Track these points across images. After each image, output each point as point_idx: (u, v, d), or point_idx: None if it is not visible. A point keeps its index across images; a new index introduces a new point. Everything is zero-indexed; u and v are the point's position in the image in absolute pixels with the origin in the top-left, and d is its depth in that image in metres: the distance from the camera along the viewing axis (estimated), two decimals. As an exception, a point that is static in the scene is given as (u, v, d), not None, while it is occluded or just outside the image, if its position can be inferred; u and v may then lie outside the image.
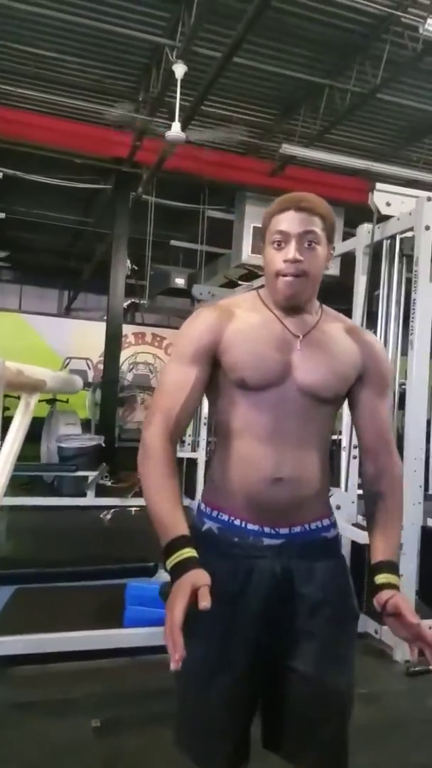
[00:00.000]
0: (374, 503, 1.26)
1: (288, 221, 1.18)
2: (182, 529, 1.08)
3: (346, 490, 3.16)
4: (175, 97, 5.20)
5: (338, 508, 3.14)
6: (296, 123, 6.50)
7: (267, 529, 1.19)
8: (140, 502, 4.90)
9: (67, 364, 9.70)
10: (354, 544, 2.92)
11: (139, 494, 4.93)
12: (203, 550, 1.12)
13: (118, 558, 2.70)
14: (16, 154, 6.86)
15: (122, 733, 2.08)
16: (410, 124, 6.58)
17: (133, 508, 4.64)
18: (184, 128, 5.41)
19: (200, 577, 1.01)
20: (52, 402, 8.35)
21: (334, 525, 1.29)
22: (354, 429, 1.34)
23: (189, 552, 1.05)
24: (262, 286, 1.29)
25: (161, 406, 1.18)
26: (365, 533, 2.86)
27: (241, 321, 1.21)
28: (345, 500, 3.08)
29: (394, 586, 1.15)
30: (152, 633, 2.44)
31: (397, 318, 3.30)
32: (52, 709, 2.21)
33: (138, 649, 2.49)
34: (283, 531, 1.20)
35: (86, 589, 2.95)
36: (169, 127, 5.37)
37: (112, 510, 4.55)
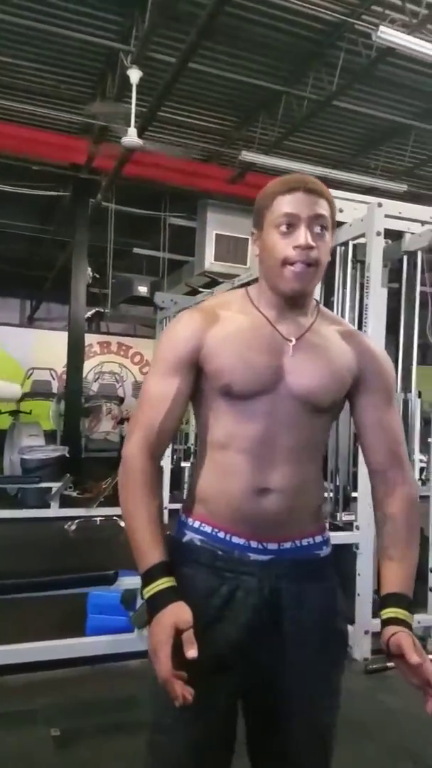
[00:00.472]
0: (383, 527, 1.13)
1: (297, 203, 1.05)
2: (159, 555, 1.01)
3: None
4: (131, 103, 5.15)
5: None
6: (255, 130, 6.52)
7: (254, 544, 1.09)
8: (105, 512, 4.84)
9: (30, 374, 9.51)
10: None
11: (103, 504, 4.85)
12: (183, 562, 1.07)
13: (81, 568, 2.67)
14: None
15: (82, 743, 2.05)
16: (367, 132, 6.67)
17: (98, 518, 4.57)
18: (141, 134, 5.36)
19: (181, 615, 0.95)
20: (14, 414, 8.18)
21: (327, 542, 1.18)
22: (360, 447, 1.20)
23: (166, 582, 0.99)
24: (248, 284, 1.18)
25: (142, 419, 1.10)
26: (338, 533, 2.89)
27: (226, 324, 1.10)
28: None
29: (401, 622, 1.03)
30: (113, 641, 2.46)
31: (352, 323, 3.31)
32: (12, 720, 2.18)
33: (98, 657, 2.49)
34: (272, 546, 1.10)
35: (48, 600, 2.93)
36: (126, 132, 5.31)
37: (77, 521, 4.48)
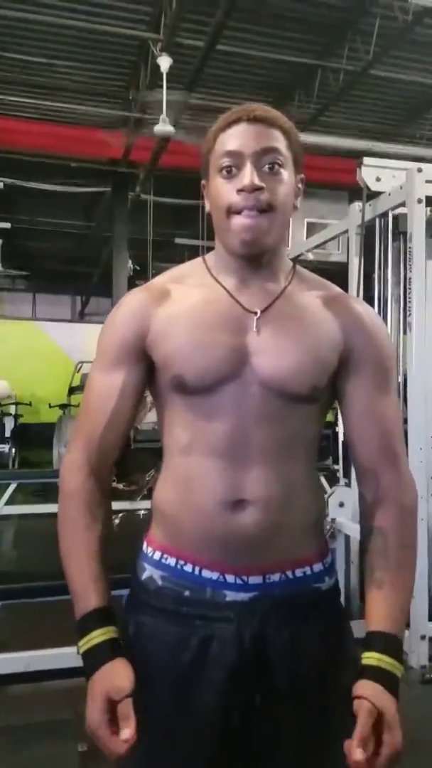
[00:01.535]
0: (370, 544, 0.89)
1: (240, 137, 0.86)
2: (94, 601, 0.82)
3: (348, 485, 3.03)
4: (163, 92, 5.11)
5: (341, 505, 3.01)
6: (291, 109, 6.34)
7: (230, 578, 0.87)
8: (148, 505, 4.75)
9: (80, 368, 9.69)
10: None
11: (147, 497, 4.83)
12: (141, 608, 0.90)
13: (121, 565, 2.65)
14: (14, 163, 6.86)
15: (106, 763, 1.98)
16: (408, 100, 6.38)
17: (142, 511, 4.57)
18: (174, 122, 5.31)
19: (114, 681, 0.77)
20: (63, 407, 8.37)
21: (330, 571, 0.94)
22: (347, 441, 0.96)
23: (100, 635, 0.80)
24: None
25: (81, 428, 0.92)
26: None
27: (176, 302, 0.90)
28: (348, 497, 2.95)
29: (381, 674, 0.78)
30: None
31: (397, 299, 3.16)
32: (41, 730, 2.11)
33: None
34: (254, 580, 0.87)
35: None
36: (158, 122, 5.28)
37: (120, 514, 4.47)
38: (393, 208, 2.98)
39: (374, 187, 3.00)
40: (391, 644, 0.81)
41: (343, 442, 3.10)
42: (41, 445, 7.92)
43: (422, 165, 2.80)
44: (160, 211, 7.85)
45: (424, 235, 2.79)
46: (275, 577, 0.88)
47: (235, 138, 0.87)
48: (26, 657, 2.40)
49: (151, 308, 0.91)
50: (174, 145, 6.02)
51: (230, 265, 0.92)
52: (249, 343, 0.87)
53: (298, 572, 0.90)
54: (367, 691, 0.77)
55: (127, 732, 0.73)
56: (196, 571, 0.88)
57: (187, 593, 0.88)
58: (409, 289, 2.80)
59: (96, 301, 13.21)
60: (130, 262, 7.60)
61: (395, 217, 3.08)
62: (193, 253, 8.93)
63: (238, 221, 0.86)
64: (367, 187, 3.00)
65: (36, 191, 7.29)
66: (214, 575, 0.88)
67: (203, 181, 0.94)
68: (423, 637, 2.59)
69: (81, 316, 13.35)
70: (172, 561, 0.90)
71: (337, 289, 0.98)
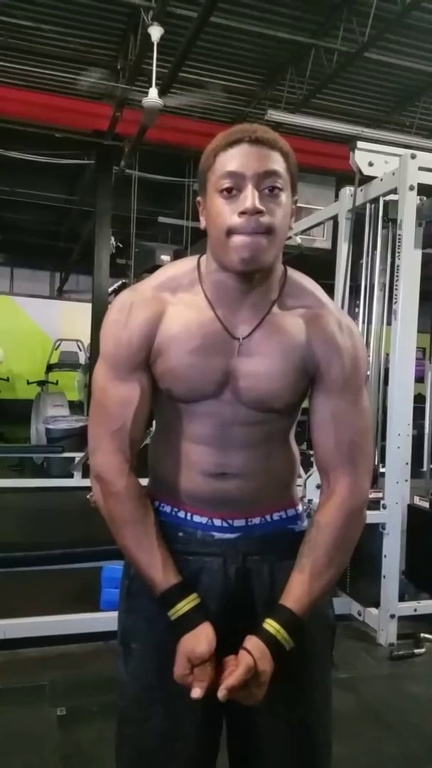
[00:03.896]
0: (308, 533, 1.00)
1: (241, 158, 0.87)
2: (172, 578, 0.96)
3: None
4: (153, 64, 4.96)
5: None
6: (282, 88, 6.23)
7: (218, 522, 1.01)
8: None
9: (58, 346, 9.55)
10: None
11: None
12: None
13: (98, 540, 2.63)
14: (-7, 131, 6.63)
15: (85, 723, 2.02)
16: (401, 86, 6.31)
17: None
18: (163, 95, 5.17)
19: (195, 649, 0.91)
20: (42, 384, 8.25)
21: (301, 517, 1.08)
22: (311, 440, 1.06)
23: (185, 605, 0.95)
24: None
25: (109, 428, 0.97)
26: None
27: (174, 318, 0.97)
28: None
29: (273, 643, 0.91)
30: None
31: (383, 287, 3.13)
32: (19, 696, 2.17)
33: (112, 633, 2.41)
34: (238, 523, 1.01)
35: (62, 573, 2.95)
36: (147, 94, 5.13)
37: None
38: (384, 194, 2.94)
39: (366, 171, 2.96)
40: (293, 623, 0.94)
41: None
42: (17, 421, 7.82)
43: (416, 152, 2.76)
44: (144, 187, 7.69)
45: (415, 222, 2.77)
46: (256, 520, 1.03)
47: (236, 159, 0.88)
48: (3, 625, 2.44)
49: (156, 320, 0.97)
50: (161, 120, 5.86)
51: (222, 282, 0.96)
52: (231, 367, 0.96)
53: (276, 516, 1.04)
54: (256, 649, 0.91)
55: (197, 692, 0.89)
56: (188, 516, 1.03)
57: (180, 534, 1.02)
58: (397, 276, 2.77)
59: (75, 278, 12.98)
60: (112, 239, 7.44)
61: (385, 204, 3.04)
62: (177, 233, 8.84)
63: (238, 239, 0.89)
64: (360, 172, 2.95)
65: (16, 161, 7.05)
66: (204, 519, 1.02)
67: (199, 198, 0.96)
68: (392, 616, 2.64)
69: (59, 293, 13.10)
70: (167, 508, 1.04)
71: (322, 301, 1.02)
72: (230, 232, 0.89)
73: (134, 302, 0.98)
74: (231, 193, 0.88)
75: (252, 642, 0.92)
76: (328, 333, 0.98)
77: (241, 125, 0.92)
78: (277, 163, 0.89)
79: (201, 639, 0.92)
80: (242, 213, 0.87)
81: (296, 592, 0.95)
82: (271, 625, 0.93)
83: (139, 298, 0.99)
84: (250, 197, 0.86)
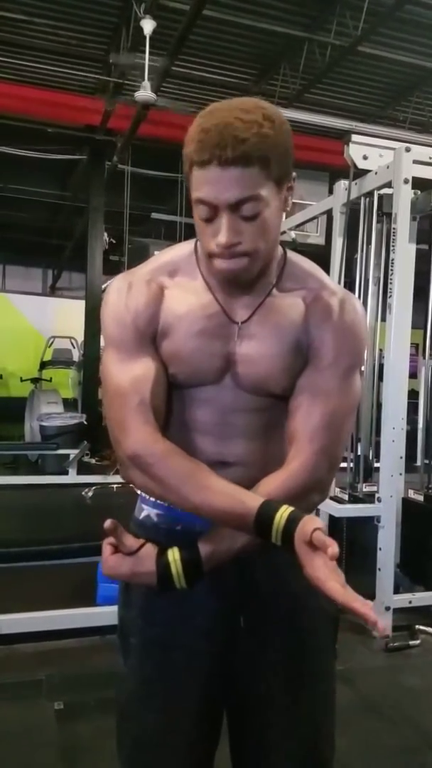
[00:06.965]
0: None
1: (212, 185, 0.81)
2: (259, 497, 0.86)
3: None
4: (145, 57, 4.93)
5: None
6: (275, 83, 6.22)
7: None
8: (120, 479, 4.79)
9: (51, 343, 9.50)
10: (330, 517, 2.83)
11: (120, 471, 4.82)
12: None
13: (94, 535, 2.63)
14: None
15: (83, 718, 2.02)
16: (394, 81, 6.31)
17: (115, 485, 4.58)
18: (155, 89, 5.14)
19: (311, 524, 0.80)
20: (35, 381, 8.22)
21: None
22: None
23: (286, 509, 0.82)
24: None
25: (129, 408, 0.90)
26: (340, 506, 2.79)
27: (175, 299, 0.95)
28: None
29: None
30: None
31: (376, 282, 3.13)
32: (16, 691, 2.17)
33: (108, 628, 2.38)
34: None
35: (59, 568, 2.95)
36: (140, 89, 5.10)
37: (94, 487, 4.50)
38: (379, 188, 2.93)
39: (361, 165, 2.95)
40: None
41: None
42: (11, 419, 7.78)
43: (411, 145, 2.76)
44: (137, 183, 7.65)
45: (409, 216, 2.76)
46: None
47: (208, 186, 0.82)
48: (1, 620, 2.44)
49: (158, 307, 0.95)
50: (154, 115, 5.84)
51: (218, 281, 0.94)
52: (231, 351, 0.95)
53: None
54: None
55: (332, 551, 0.76)
56: None
57: (178, 527, 0.98)
58: (391, 271, 2.76)
59: (68, 275, 12.91)
60: (105, 235, 7.40)
61: (380, 198, 3.03)
62: (170, 229, 8.81)
63: (219, 262, 0.88)
64: (354, 165, 2.94)
65: (8, 156, 7.00)
66: None
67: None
68: (388, 608, 2.65)
69: (52, 291, 13.04)
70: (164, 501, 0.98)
71: (323, 281, 0.99)
72: (210, 255, 0.88)
73: (132, 283, 0.96)
74: (209, 217, 0.85)
75: (309, 522, 0.80)
76: (326, 311, 0.96)
77: (213, 134, 0.80)
78: (255, 184, 0.82)
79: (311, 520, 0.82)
80: (218, 244, 0.85)
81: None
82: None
83: (138, 279, 0.96)
84: (223, 231, 0.83)
